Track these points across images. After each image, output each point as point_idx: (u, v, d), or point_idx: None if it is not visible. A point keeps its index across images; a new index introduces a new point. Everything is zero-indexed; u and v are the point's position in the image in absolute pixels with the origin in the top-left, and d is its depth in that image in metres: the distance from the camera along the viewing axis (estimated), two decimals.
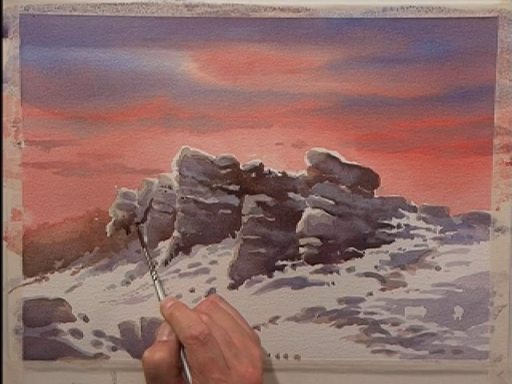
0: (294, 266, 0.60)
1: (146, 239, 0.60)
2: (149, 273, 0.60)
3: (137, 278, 0.61)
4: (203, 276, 0.60)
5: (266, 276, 0.60)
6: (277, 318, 0.61)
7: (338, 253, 0.60)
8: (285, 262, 0.60)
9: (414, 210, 0.60)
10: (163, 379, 0.53)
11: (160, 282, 0.59)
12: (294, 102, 0.59)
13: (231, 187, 0.60)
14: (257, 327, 0.61)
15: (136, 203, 0.60)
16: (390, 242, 0.60)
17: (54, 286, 0.61)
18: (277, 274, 0.60)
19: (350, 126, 0.59)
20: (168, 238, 0.60)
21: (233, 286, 0.61)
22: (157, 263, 0.60)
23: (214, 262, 0.60)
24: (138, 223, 0.60)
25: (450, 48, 0.59)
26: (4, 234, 0.60)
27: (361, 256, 0.60)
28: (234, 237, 0.60)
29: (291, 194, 0.60)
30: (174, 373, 0.53)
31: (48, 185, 0.60)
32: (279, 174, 0.60)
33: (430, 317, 0.61)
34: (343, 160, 0.60)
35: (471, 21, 0.58)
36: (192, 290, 0.60)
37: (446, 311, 0.60)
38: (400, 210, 0.60)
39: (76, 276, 0.61)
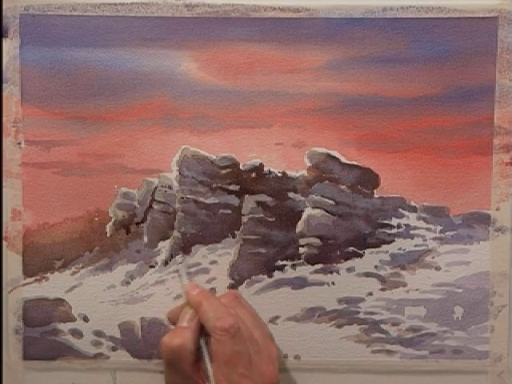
0: (293, 266, 0.60)
1: (146, 239, 0.60)
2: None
3: (137, 278, 0.61)
4: (203, 276, 0.60)
5: (265, 276, 0.60)
6: (277, 317, 0.61)
7: (338, 253, 0.60)
8: (285, 262, 0.60)
9: (414, 210, 0.60)
10: (180, 365, 0.53)
11: (185, 266, 0.59)
12: (294, 102, 0.59)
13: (231, 187, 0.60)
14: None
15: (136, 203, 0.60)
16: (390, 242, 0.60)
17: (53, 286, 0.61)
18: (277, 274, 0.60)
19: (350, 126, 0.59)
20: (168, 238, 0.60)
21: (233, 286, 0.60)
22: (156, 263, 0.61)
23: (213, 262, 0.60)
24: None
25: (450, 48, 0.59)
26: (4, 234, 0.60)
27: (361, 256, 0.60)
28: (234, 237, 0.60)
29: (291, 194, 0.60)
30: (191, 360, 0.53)
31: (48, 185, 0.60)
32: (279, 174, 0.60)
33: (429, 317, 0.61)
34: (343, 160, 0.60)
35: (471, 21, 0.58)
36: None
37: (446, 311, 0.60)
38: (400, 210, 0.60)
39: (76, 276, 0.61)
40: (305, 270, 0.60)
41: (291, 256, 0.60)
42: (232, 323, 0.52)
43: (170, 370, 0.54)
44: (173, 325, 0.58)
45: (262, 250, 0.60)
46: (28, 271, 0.60)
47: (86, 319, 0.61)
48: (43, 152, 0.60)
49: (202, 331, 0.55)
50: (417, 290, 0.60)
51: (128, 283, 0.61)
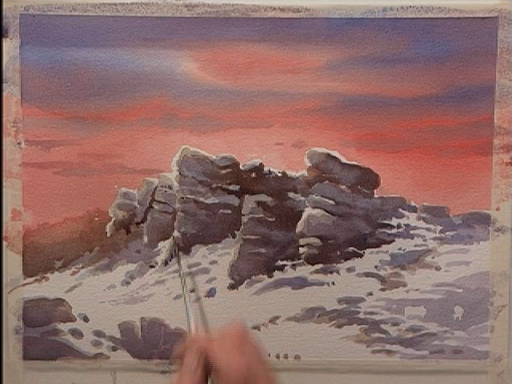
0: (293, 266, 0.60)
1: (146, 239, 0.60)
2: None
3: (137, 278, 0.61)
4: (203, 276, 0.60)
5: (266, 276, 0.60)
6: (277, 317, 0.61)
7: (338, 253, 0.60)
8: (285, 262, 0.60)
9: (414, 210, 0.60)
10: None
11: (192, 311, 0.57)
12: (294, 102, 0.59)
13: (231, 187, 0.60)
14: (257, 327, 0.61)
15: (136, 203, 0.60)
16: (390, 242, 0.60)
17: (53, 286, 0.61)
18: (277, 274, 0.60)
19: (350, 126, 0.59)
20: (168, 238, 0.60)
21: (233, 286, 0.60)
22: (156, 263, 0.61)
23: (214, 262, 0.60)
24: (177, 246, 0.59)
25: (450, 48, 0.59)
26: (4, 234, 0.60)
27: (361, 256, 0.60)
28: (234, 237, 0.60)
29: (291, 194, 0.60)
30: None
31: (48, 185, 0.60)
32: (279, 174, 0.60)
33: (430, 317, 0.61)
34: (343, 160, 0.60)
35: (471, 21, 0.58)
36: (192, 290, 0.60)
37: (445, 311, 0.60)
38: (400, 210, 0.60)
39: (76, 276, 0.61)
40: (305, 270, 0.60)
41: (291, 256, 0.60)
42: (245, 365, 0.51)
43: None
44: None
45: (262, 250, 0.60)
46: (28, 271, 0.60)
47: (85, 319, 0.61)
48: (43, 152, 0.60)
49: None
50: (417, 290, 0.60)
51: (128, 283, 0.61)
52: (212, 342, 0.53)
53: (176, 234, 0.60)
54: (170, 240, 0.60)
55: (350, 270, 0.60)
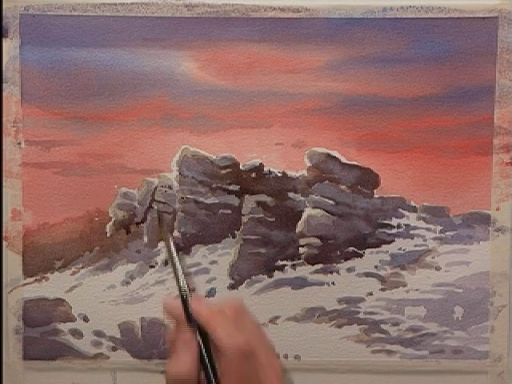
0: (293, 266, 0.60)
1: (146, 239, 0.60)
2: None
3: (137, 278, 0.61)
4: (203, 276, 0.60)
5: (266, 276, 0.60)
6: (277, 317, 0.61)
7: (338, 253, 0.60)
8: (285, 262, 0.60)
9: (414, 210, 0.60)
10: None
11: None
12: (294, 102, 0.59)
13: (231, 187, 0.60)
14: None
15: (136, 203, 0.60)
16: (390, 242, 0.60)
17: (53, 286, 0.61)
18: (277, 274, 0.60)
19: (350, 125, 0.59)
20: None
21: (233, 286, 0.61)
22: (156, 263, 0.61)
23: (213, 262, 0.60)
24: (159, 213, 0.59)
25: (450, 48, 0.59)
26: (4, 234, 0.60)
27: (361, 256, 0.60)
28: (234, 237, 0.60)
29: (291, 194, 0.60)
30: (196, 381, 0.52)
31: (48, 185, 0.60)
32: (279, 174, 0.60)
33: (429, 317, 0.61)
34: (343, 160, 0.60)
35: (471, 21, 0.58)
36: (192, 290, 0.60)
37: (445, 311, 0.60)
38: (400, 210, 0.60)
39: (76, 276, 0.61)
40: (305, 270, 0.60)
41: (291, 256, 0.60)
42: (245, 342, 0.51)
43: None
44: (168, 317, 0.57)
45: (262, 250, 0.60)
46: (28, 271, 0.60)
47: (85, 319, 0.61)
48: (43, 152, 0.60)
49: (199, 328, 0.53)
50: (417, 290, 0.60)
51: (128, 283, 0.61)
52: (209, 315, 0.53)
53: (176, 233, 0.60)
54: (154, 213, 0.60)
55: (350, 270, 0.60)
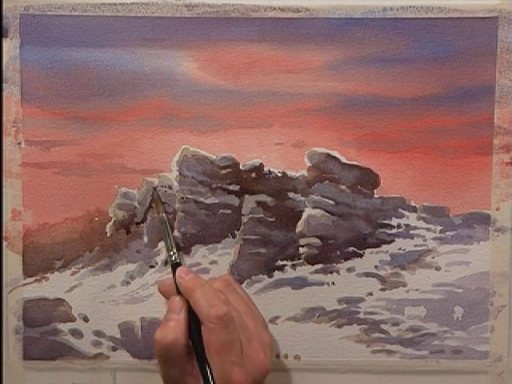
0: (293, 266, 0.60)
1: (146, 239, 0.60)
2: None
3: (137, 278, 0.61)
4: (203, 276, 0.60)
5: (266, 276, 0.60)
6: (277, 317, 0.61)
7: (338, 253, 0.60)
8: (285, 262, 0.60)
9: (414, 210, 0.60)
10: (174, 360, 0.52)
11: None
12: (294, 102, 0.59)
13: (231, 187, 0.60)
14: None
15: (136, 203, 0.60)
16: (390, 242, 0.60)
17: (53, 286, 0.61)
18: (277, 274, 0.60)
19: (350, 125, 0.59)
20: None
21: None
22: (156, 263, 0.61)
23: (213, 262, 0.60)
24: (154, 188, 0.60)
25: (450, 48, 0.59)
26: (4, 234, 0.60)
27: (361, 256, 0.60)
28: (234, 237, 0.60)
29: (291, 194, 0.60)
30: (184, 352, 0.53)
31: (48, 185, 0.60)
32: (279, 174, 0.60)
33: (429, 317, 0.61)
34: (343, 160, 0.60)
35: (471, 21, 0.58)
36: None
37: (446, 311, 0.60)
38: (400, 210, 0.60)
39: (76, 276, 0.61)
40: (305, 270, 0.60)
41: (291, 256, 0.60)
42: (225, 311, 0.52)
43: (164, 365, 0.54)
44: (164, 297, 0.58)
45: (262, 250, 0.60)
46: (28, 271, 0.60)
47: (85, 319, 0.61)
48: (43, 152, 0.60)
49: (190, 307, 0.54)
50: (417, 290, 0.60)
51: (128, 283, 0.61)
52: (193, 283, 0.54)
53: (176, 233, 0.60)
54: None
55: (349, 270, 0.60)
